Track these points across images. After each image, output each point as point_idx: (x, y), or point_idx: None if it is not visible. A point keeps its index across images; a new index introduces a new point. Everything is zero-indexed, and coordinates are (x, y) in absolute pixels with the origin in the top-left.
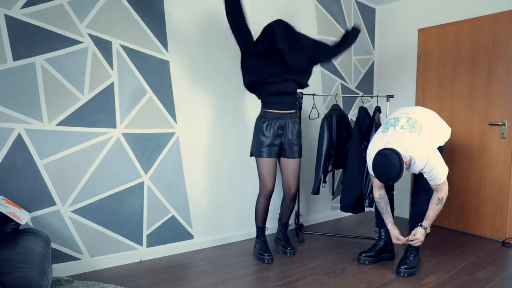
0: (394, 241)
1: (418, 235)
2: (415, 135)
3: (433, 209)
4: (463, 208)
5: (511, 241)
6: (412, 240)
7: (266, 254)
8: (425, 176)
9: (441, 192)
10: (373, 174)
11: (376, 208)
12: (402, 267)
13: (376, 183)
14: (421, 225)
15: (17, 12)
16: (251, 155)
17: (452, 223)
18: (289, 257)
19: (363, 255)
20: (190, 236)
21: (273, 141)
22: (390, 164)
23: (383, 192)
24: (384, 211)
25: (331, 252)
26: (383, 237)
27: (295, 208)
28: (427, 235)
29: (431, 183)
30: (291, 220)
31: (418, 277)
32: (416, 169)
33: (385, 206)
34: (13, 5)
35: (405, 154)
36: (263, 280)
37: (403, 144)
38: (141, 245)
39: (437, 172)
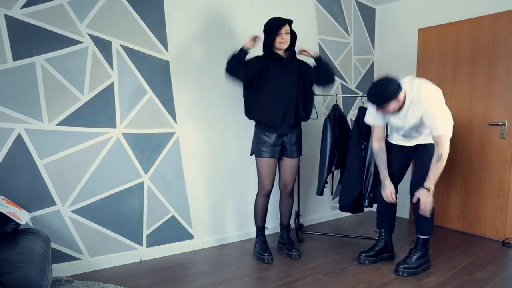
0: (387, 197)
1: (422, 196)
2: (428, 83)
3: (433, 167)
4: (463, 208)
5: (511, 241)
6: (422, 208)
7: (266, 254)
8: (426, 124)
9: (441, 148)
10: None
11: (377, 208)
12: (401, 266)
13: (375, 134)
14: (423, 186)
15: (17, 12)
16: (251, 154)
17: (452, 223)
18: (294, 259)
19: (363, 255)
20: (190, 236)
21: (276, 141)
22: (387, 84)
23: (383, 145)
24: (382, 165)
25: (331, 252)
26: (383, 237)
27: (295, 208)
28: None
29: (431, 133)
30: (291, 220)
31: (418, 277)
32: (413, 114)
33: (383, 159)
34: (13, 5)
35: (407, 89)
36: (263, 280)
37: (411, 81)
38: (141, 245)
39: (438, 121)
